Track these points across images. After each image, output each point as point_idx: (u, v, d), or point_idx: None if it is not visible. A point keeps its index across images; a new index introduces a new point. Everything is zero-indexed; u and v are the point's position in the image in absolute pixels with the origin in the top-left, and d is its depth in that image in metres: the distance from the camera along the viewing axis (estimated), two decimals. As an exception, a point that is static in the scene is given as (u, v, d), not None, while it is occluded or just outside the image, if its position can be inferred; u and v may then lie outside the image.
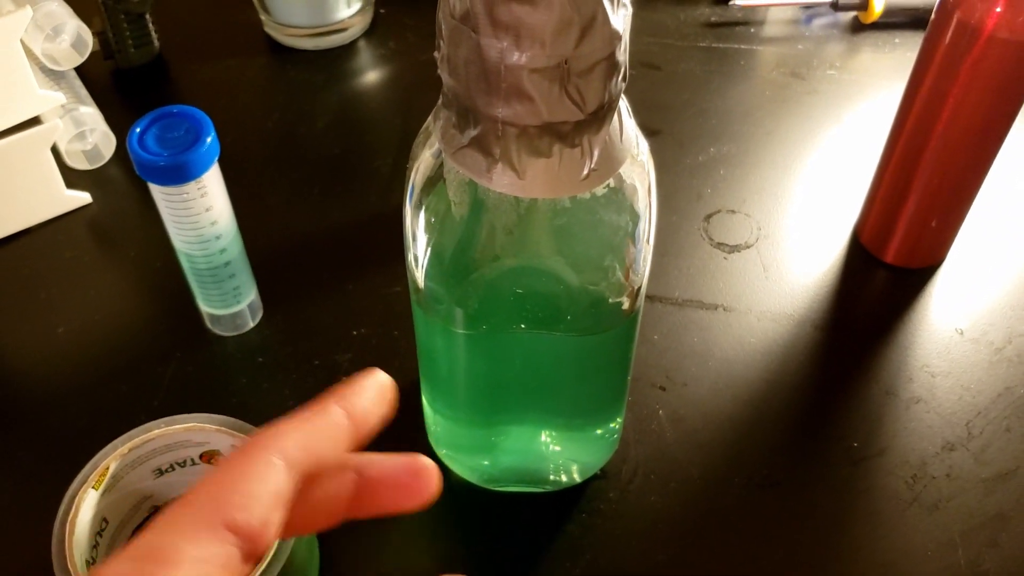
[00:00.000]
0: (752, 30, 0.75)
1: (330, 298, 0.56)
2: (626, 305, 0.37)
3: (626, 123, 0.33)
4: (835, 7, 0.74)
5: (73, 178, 0.62)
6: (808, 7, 0.76)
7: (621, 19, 0.29)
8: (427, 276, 0.37)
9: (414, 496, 0.28)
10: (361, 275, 0.58)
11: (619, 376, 0.43)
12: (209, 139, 0.44)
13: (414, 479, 0.28)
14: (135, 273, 0.59)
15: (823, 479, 0.49)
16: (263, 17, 0.73)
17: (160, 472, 0.46)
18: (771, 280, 0.58)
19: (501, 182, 0.31)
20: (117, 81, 0.70)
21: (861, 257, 0.59)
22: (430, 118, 0.36)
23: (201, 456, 0.46)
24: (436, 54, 0.31)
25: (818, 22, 0.75)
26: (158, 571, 0.21)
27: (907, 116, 0.53)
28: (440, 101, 0.33)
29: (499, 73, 0.29)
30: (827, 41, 0.74)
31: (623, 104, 0.32)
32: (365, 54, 0.72)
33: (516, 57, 0.28)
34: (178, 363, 0.53)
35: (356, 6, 0.72)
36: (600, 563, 0.46)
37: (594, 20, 0.28)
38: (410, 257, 0.37)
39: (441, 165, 0.34)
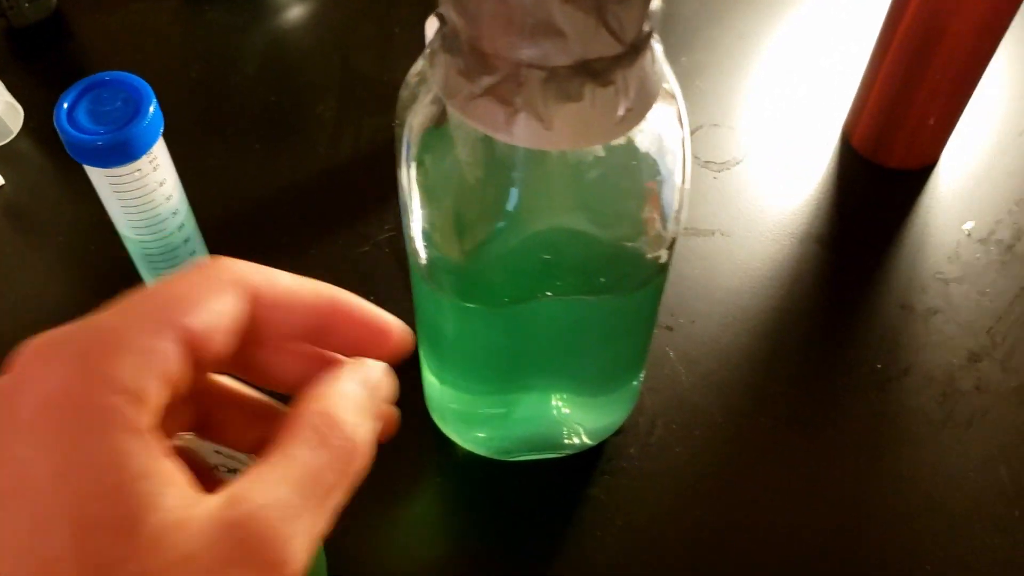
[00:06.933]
0: (703, -75, 0.69)
1: (292, 264, 0.50)
2: (664, 258, 0.32)
3: (656, 48, 0.28)
4: None
5: (-23, 158, 0.55)
6: None
7: (661, -71, 0.24)
8: (434, 247, 0.32)
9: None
10: (322, 236, 0.52)
11: (647, 331, 0.38)
12: (152, 108, 0.38)
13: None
14: (67, 260, 0.52)
15: (851, 407, 0.46)
16: (168, -46, 0.66)
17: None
18: (765, 197, 0.54)
19: (523, 135, 0.26)
20: (12, 42, 0.62)
21: (854, 161, 0.56)
22: (421, 63, 0.30)
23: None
24: (436, -10, 0.26)
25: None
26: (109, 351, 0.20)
27: (904, 9, 0.49)
28: (437, 44, 0.28)
29: (524, 8, 0.24)
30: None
31: (653, 27, 0.27)
32: (288, -14, 0.65)
33: (546, -14, 0.23)
34: (133, 357, 0.48)
35: (272, -67, 0.64)
36: (634, 527, 0.43)
37: (635, -66, 0.23)
38: (412, 227, 0.32)
39: (443, 115, 0.29)
